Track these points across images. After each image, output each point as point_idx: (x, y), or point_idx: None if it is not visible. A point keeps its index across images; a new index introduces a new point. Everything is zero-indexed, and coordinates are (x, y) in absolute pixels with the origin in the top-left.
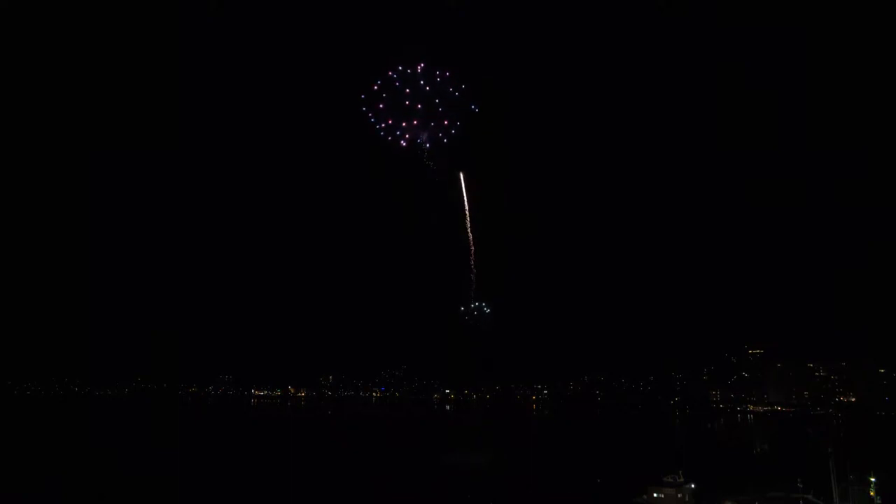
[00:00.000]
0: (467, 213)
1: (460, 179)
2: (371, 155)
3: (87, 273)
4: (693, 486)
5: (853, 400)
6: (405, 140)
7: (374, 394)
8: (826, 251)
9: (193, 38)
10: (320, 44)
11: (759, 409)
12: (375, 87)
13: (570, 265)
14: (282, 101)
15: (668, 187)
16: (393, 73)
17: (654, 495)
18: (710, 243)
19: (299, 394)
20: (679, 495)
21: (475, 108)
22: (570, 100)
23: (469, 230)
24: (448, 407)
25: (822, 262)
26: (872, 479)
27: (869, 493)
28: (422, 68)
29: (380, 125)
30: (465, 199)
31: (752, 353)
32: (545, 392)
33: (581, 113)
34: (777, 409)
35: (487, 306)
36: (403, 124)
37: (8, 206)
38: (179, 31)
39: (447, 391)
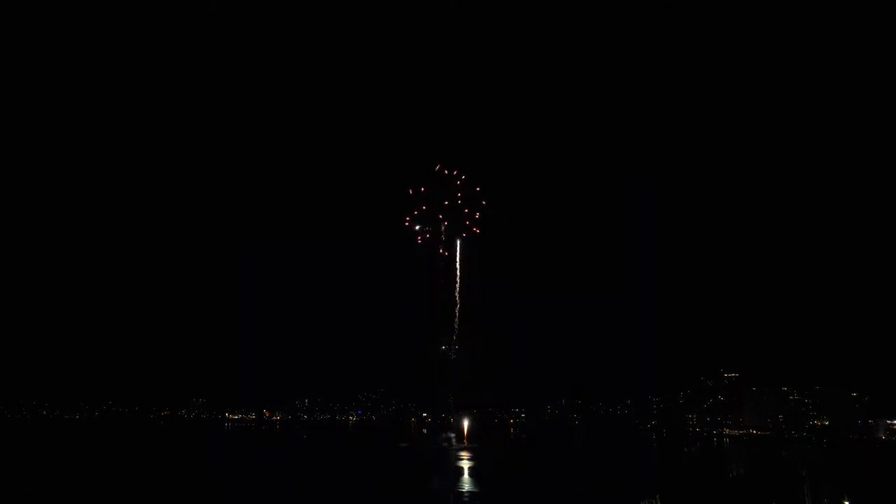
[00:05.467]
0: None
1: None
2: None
3: (56, 292)
4: None
5: (827, 423)
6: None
7: (351, 417)
8: (800, 276)
9: (194, 42)
10: (321, 42)
11: (735, 432)
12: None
13: (547, 287)
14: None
15: (642, 207)
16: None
17: None
18: (686, 269)
19: (274, 417)
20: None
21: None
22: (565, 102)
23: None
24: (424, 430)
25: (797, 286)
26: (846, 503)
27: None
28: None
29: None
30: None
31: (727, 376)
32: (522, 416)
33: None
34: (752, 433)
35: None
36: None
37: None
38: (181, 31)
39: (424, 414)
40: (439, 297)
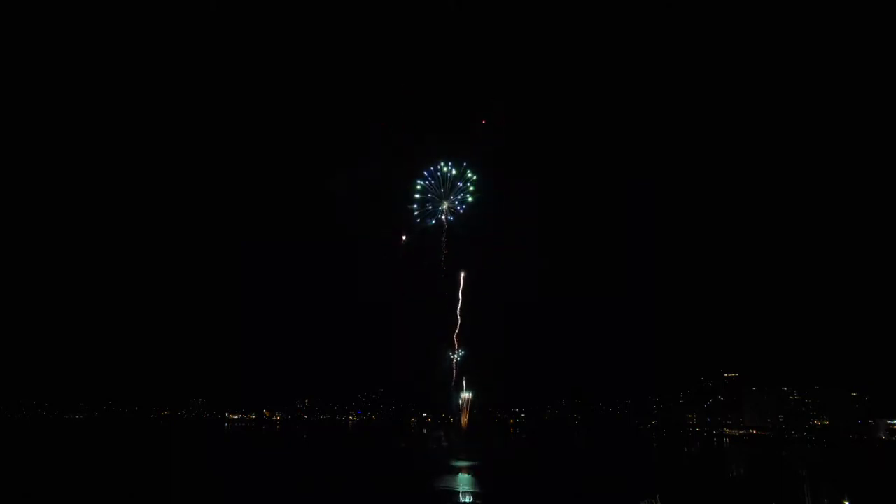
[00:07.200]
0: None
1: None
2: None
3: (56, 291)
4: None
5: (826, 423)
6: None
7: (351, 417)
8: (800, 276)
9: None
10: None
11: (735, 432)
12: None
13: (546, 287)
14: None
15: (639, 208)
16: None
17: None
18: (685, 269)
19: (274, 417)
20: None
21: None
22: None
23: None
24: (424, 430)
25: (797, 286)
26: (846, 503)
27: None
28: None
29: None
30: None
31: (727, 376)
32: (522, 416)
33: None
34: (752, 433)
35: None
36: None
37: None
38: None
39: (424, 414)
40: (440, 300)
